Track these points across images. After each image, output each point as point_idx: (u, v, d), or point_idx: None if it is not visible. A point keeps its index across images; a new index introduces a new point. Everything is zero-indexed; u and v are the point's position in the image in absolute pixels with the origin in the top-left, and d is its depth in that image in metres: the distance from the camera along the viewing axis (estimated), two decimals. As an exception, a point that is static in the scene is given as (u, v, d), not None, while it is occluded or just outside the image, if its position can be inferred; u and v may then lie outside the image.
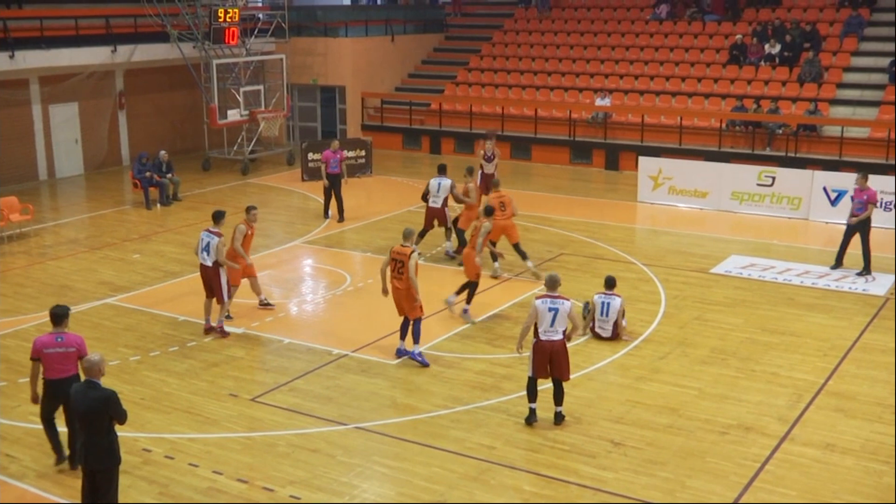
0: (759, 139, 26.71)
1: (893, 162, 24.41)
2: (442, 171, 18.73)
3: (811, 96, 27.27)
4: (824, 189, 22.23)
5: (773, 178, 22.90)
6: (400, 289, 13.35)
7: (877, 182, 21.59)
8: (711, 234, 20.82)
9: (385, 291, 13.62)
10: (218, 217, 14.67)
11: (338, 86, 32.89)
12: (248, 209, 15.23)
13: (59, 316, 10.21)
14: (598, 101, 29.41)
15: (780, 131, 26.47)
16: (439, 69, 34.93)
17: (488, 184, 19.61)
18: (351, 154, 27.25)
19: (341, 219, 21.78)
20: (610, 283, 14.61)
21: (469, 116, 30.98)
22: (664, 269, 18.18)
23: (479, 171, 21.59)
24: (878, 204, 20.95)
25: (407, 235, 13.49)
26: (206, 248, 14.39)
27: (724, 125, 27.26)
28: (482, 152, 22.19)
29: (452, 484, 10.29)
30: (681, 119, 27.72)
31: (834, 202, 22.03)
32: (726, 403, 12.27)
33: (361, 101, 32.88)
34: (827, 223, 21.64)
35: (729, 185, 23.31)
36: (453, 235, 18.81)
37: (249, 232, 15.02)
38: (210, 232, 14.42)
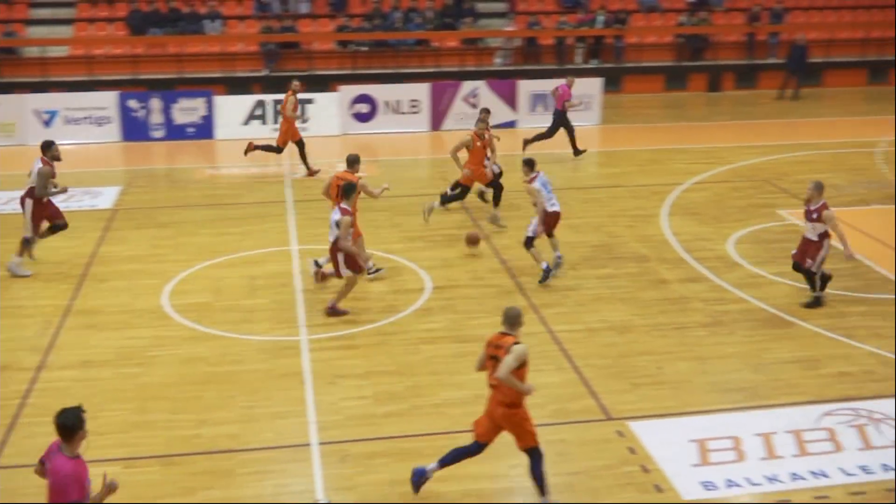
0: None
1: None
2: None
3: (4, 19, 26.25)
4: (35, 112, 21.95)
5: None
6: None
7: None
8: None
9: None
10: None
11: None
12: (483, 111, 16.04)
13: None
14: None
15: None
16: None
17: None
18: None
19: None
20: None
21: None
22: None
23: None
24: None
25: None
26: None
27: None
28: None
29: None
30: None
31: (47, 123, 21.95)
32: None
33: None
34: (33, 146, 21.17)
35: None
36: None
37: (479, 143, 15.34)
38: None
